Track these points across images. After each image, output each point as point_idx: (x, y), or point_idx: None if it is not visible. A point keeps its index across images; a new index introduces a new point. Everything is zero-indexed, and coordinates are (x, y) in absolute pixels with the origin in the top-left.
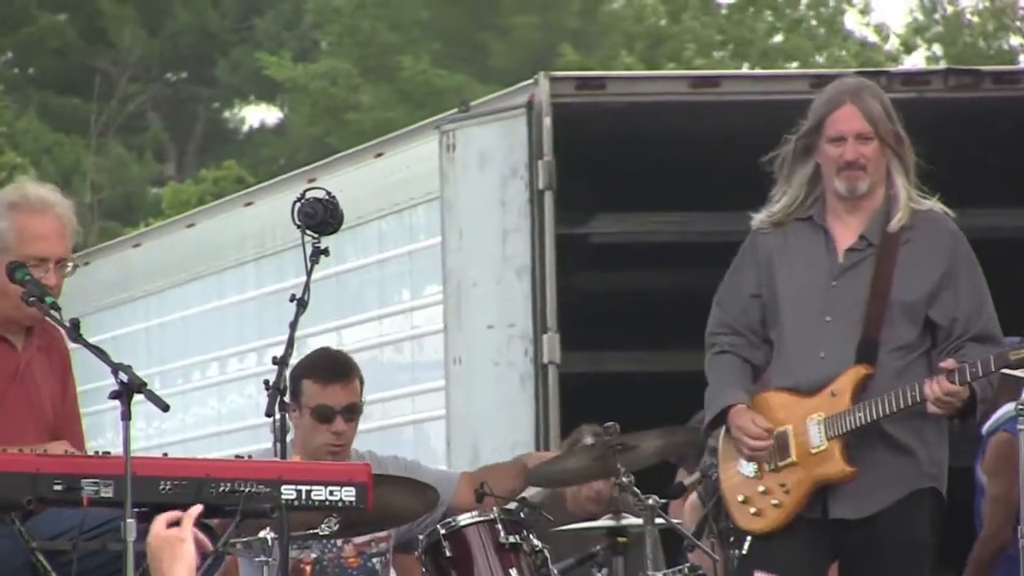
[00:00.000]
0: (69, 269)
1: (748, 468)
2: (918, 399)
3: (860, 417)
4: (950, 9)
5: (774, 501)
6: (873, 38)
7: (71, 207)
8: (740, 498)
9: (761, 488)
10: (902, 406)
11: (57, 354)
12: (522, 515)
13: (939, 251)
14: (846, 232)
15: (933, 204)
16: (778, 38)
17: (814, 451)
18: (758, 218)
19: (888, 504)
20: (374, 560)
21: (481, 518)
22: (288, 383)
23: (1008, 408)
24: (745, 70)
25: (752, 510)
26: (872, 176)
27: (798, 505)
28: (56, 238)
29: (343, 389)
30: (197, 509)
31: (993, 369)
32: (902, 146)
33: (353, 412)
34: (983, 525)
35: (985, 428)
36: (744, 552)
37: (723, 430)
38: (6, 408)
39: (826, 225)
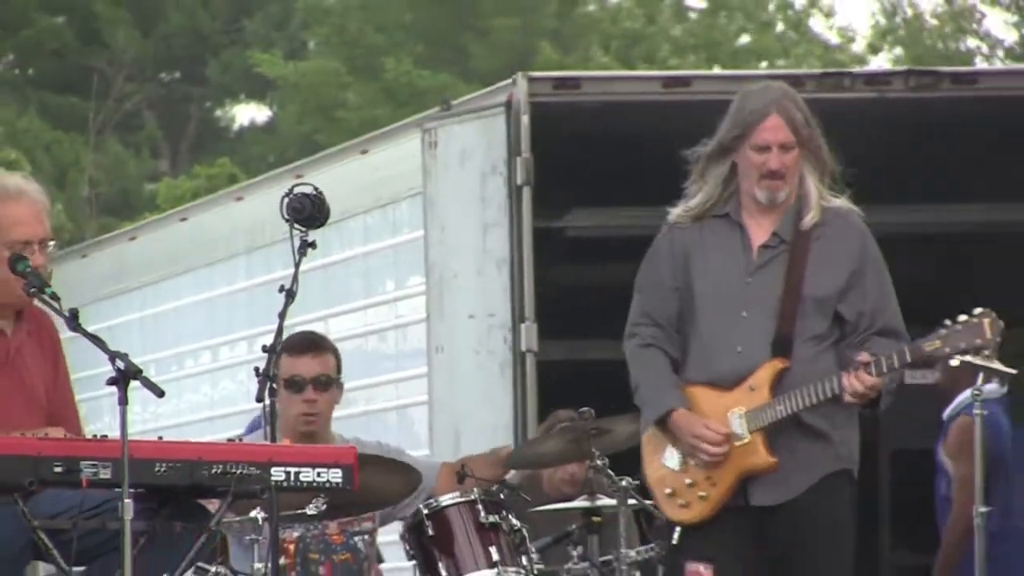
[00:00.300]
0: (51, 247)
1: (673, 461)
2: (836, 391)
3: (780, 410)
4: (911, 12)
5: (701, 493)
6: (837, 40)
7: (43, 191)
8: (668, 491)
9: (688, 480)
10: (821, 399)
11: (48, 339)
12: (501, 496)
13: (849, 248)
14: (760, 230)
15: (843, 202)
16: (746, 38)
17: (738, 444)
18: (675, 212)
19: (806, 488)
20: (356, 538)
21: (462, 499)
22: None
23: (967, 394)
24: (715, 71)
25: (680, 502)
26: (790, 184)
27: (724, 496)
28: (35, 221)
29: (313, 359)
30: None
31: (909, 360)
32: (818, 149)
33: (324, 383)
34: (943, 503)
35: (946, 413)
36: (674, 543)
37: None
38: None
39: (742, 222)
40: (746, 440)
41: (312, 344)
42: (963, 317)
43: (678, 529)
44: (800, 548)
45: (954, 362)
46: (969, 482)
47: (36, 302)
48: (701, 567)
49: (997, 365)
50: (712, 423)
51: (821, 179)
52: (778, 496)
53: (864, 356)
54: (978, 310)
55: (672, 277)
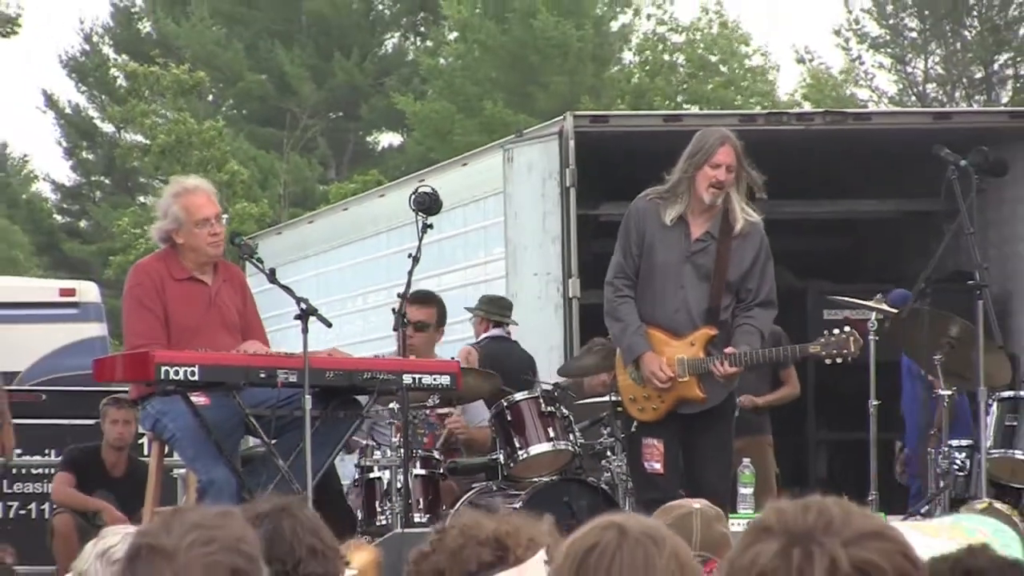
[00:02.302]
0: (225, 220)
1: (636, 377)
2: (708, 368)
3: (707, 368)
4: (825, 73)
5: (653, 405)
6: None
7: (211, 184)
8: (631, 397)
9: (645, 394)
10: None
11: (237, 283)
12: (556, 394)
13: (754, 247)
14: (697, 228)
15: (754, 216)
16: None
17: (681, 381)
18: (657, 204)
19: (715, 404)
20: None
21: (529, 395)
22: None
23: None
24: (696, 110)
25: (639, 407)
26: (725, 192)
27: (668, 409)
28: (210, 204)
29: (418, 310)
30: None
31: (797, 356)
32: (744, 176)
33: (419, 327)
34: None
35: None
36: (633, 429)
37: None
38: (208, 327)
39: (687, 220)
40: (686, 379)
41: (420, 298)
42: (836, 331)
43: (636, 423)
44: (704, 437)
45: (828, 360)
46: None
47: (246, 263)
48: (654, 440)
49: (883, 306)
50: (664, 366)
51: (741, 195)
52: (696, 409)
53: (729, 349)
54: (847, 328)
55: (636, 245)
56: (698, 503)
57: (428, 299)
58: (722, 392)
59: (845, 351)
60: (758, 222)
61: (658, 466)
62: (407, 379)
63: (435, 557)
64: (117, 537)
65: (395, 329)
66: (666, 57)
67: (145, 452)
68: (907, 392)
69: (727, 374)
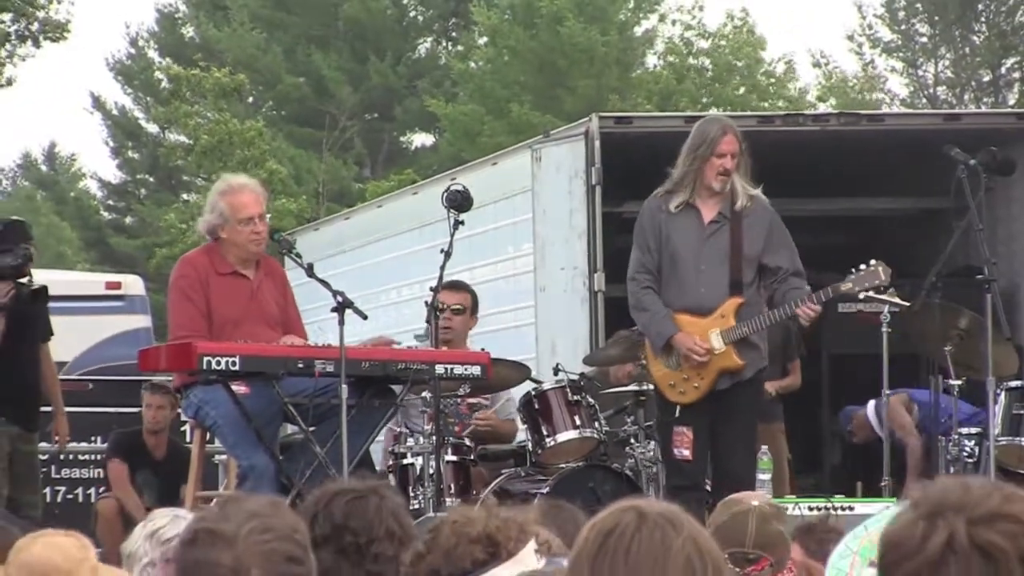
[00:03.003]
0: (268, 219)
1: (671, 364)
2: (790, 315)
3: (745, 330)
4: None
5: (695, 384)
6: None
7: (259, 184)
8: (670, 383)
9: (684, 376)
10: (775, 322)
11: (278, 278)
12: (582, 383)
13: (764, 221)
14: (708, 211)
15: (757, 192)
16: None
17: (717, 352)
18: (663, 197)
19: (749, 376)
20: (476, 412)
21: (556, 385)
22: None
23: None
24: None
25: (680, 391)
26: (731, 179)
27: (710, 385)
28: (256, 204)
29: (453, 295)
30: None
31: (832, 296)
32: (745, 160)
33: (456, 311)
34: None
35: None
36: (676, 415)
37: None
38: (249, 320)
39: (697, 206)
40: (723, 349)
41: (453, 285)
42: (863, 266)
43: (679, 407)
44: (737, 411)
45: (862, 295)
46: None
47: (286, 258)
48: (684, 428)
49: (896, 299)
50: (699, 340)
51: (743, 177)
52: (733, 381)
53: (809, 293)
54: (873, 260)
55: (654, 240)
56: (756, 500)
57: (462, 286)
58: (757, 364)
59: (877, 282)
60: (760, 195)
61: (687, 453)
62: (439, 369)
63: (430, 557)
64: (166, 519)
65: (427, 321)
66: (692, 61)
67: (187, 439)
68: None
69: (813, 310)
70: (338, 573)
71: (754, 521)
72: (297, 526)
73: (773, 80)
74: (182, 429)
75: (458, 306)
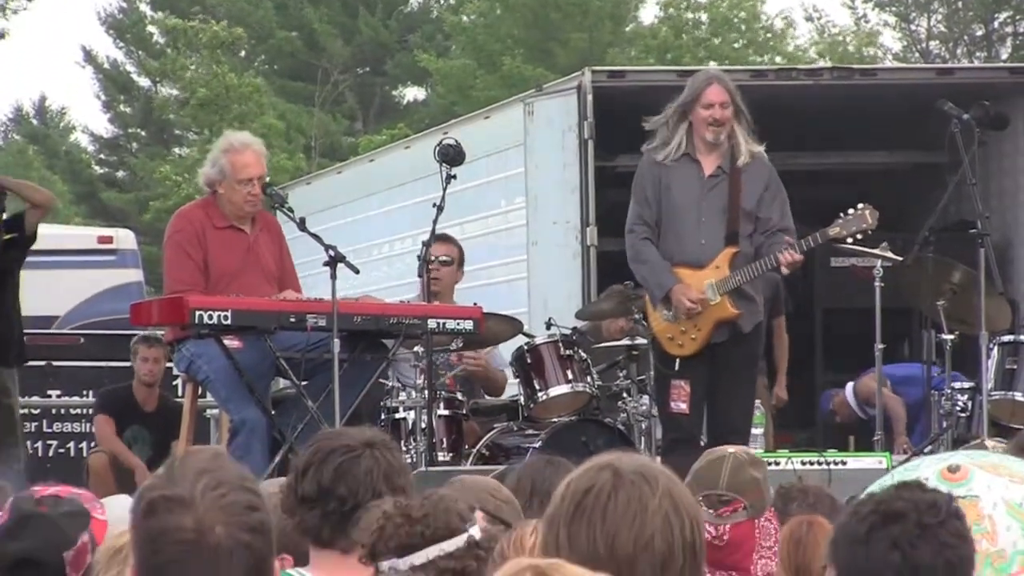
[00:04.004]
0: (265, 180)
1: (670, 317)
2: (775, 264)
3: (739, 279)
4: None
5: (692, 336)
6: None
7: (262, 143)
8: (669, 336)
9: (681, 328)
10: (762, 272)
11: (275, 233)
12: (574, 338)
13: (762, 177)
14: (708, 164)
15: (758, 148)
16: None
17: (712, 303)
18: (653, 147)
19: (746, 332)
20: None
21: (549, 339)
22: None
23: None
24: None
25: (678, 343)
26: (726, 130)
27: (707, 336)
28: (256, 164)
29: (440, 246)
30: None
31: (820, 242)
32: (741, 113)
33: (444, 262)
34: None
35: None
36: (676, 368)
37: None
38: (246, 273)
39: (697, 159)
40: (718, 300)
41: (441, 237)
42: (851, 210)
43: (678, 360)
44: (735, 366)
45: (850, 238)
46: None
47: (278, 213)
48: (682, 382)
49: (889, 253)
50: (692, 293)
51: (744, 130)
52: (731, 334)
53: (791, 240)
54: (860, 204)
55: (653, 192)
56: (733, 448)
57: (450, 238)
58: (753, 318)
59: (864, 225)
60: (761, 152)
61: (684, 406)
62: (432, 324)
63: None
64: None
65: (419, 275)
66: (689, 15)
67: (179, 393)
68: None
69: (793, 258)
70: (318, 534)
71: (728, 466)
72: (244, 473)
73: (770, 35)
74: (174, 384)
75: (446, 257)
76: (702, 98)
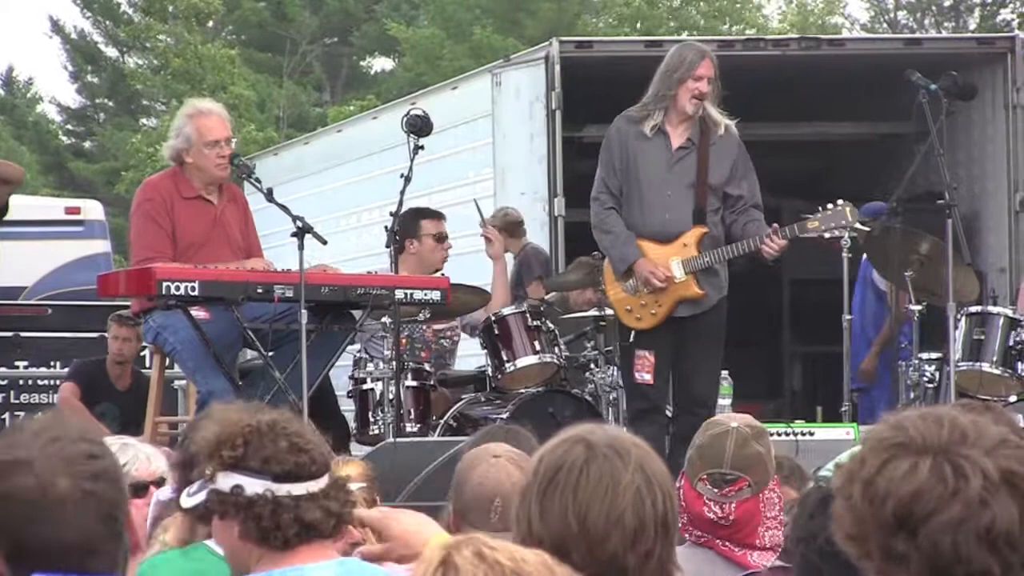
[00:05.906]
0: (233, 144)
1: (629, 288)
2: (754, 249)
3: (708, 260)
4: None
5: (652, 311)
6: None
7: (224, 109)
8: (627, 308)
9: (642, 302)
10: (738, 254)
11: (240, 205)
12: (542, 309)
13: (731, 152)
14: (677, 137)
15: (728, 121)
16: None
17: (677, 280)
18: (636, 120)
19: (710, 306)
20: (443, 340)
21: (516, 310)
22: (406, 224)
23: None
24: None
25: (636, 316)
26: (703, 104)
27: (667, 312)
28: (222, 127)
29: (439, 223)
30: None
31: (799, 234)
32: (718, 88)
33: (445, 238)
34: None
35: None
36: (631, 340)
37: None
38: (213, 243)
39: (667, 131)
40: (684, 279)
41: (435, 213)
42: (831, 205)
43: (633, 332)
44: (700, 341)
45: (827, 234)
46: None
47: (245, 183)
48: (646, 352)
49: (859, 226)
50: (659, 270)
51: (716, 105)
52: (695, 310)
53: (775, 228)
54: (840, 201)
55: (620, 160)
56: (736, 422)
57: (441, 214)
58: (718, 292)
59: (844, 222)
60: (731, 127)
61: (648, 377)
62: (399, 294)
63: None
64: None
65: (387, 246)
66: None
67: (147, 364)
68: (858, 299)
69: (779, 245)
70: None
71: (732, 442)
72: (84, 426)
73: (738, 5)
74: (142, 355)
75: (444, 234)
76: (695, 70)
